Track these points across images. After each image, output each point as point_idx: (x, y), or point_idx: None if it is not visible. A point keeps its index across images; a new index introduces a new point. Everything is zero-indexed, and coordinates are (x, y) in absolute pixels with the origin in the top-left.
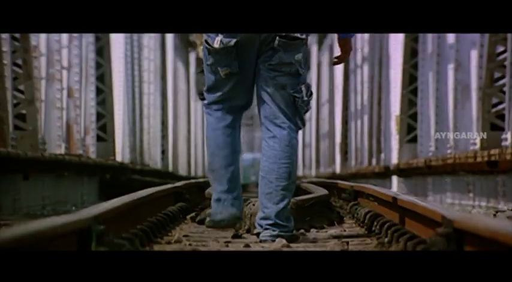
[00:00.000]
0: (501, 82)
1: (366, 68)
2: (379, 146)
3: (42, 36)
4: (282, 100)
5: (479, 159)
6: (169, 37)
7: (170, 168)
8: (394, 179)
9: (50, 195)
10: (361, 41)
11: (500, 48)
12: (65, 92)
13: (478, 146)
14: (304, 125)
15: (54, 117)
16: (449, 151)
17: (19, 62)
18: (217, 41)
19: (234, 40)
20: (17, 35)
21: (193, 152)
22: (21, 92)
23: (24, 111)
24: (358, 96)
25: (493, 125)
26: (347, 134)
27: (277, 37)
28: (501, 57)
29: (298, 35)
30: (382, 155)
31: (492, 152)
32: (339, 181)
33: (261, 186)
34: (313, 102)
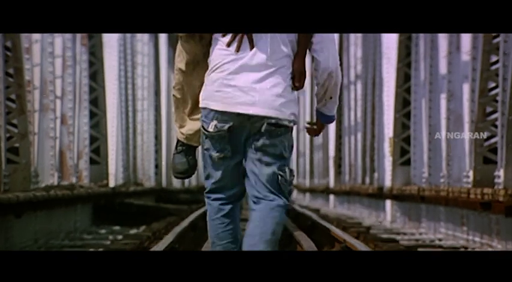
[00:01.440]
0: (493, 116)
1: (359, 86)
2: (373, 165)
3: (36, 69)
4: (266, 177)
5: (472, 196)
6: (163, 49)
7: (164, 182)
8: (388, 201)
9: (42, 228)
10: (354, 58)
11: (492, 84)
12: (58, 121)
13: (471, 179)
14: (288, 201)
15: (47, 146)
16: (442, 180)
17: (13, 96)
18: (212, 125)
19: (227, 125)
20: (11, 71)
21: None
22: (15, 125)
23: (17, 145)
24: (352, 113)
25: (485, 159)
26: (341, 148)
27: (265, 123)
28: (493, 92)
29: (286, 122)
30: (376, 174)
31: (485, 190)
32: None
33: (245, 237)
34: (306, 111)
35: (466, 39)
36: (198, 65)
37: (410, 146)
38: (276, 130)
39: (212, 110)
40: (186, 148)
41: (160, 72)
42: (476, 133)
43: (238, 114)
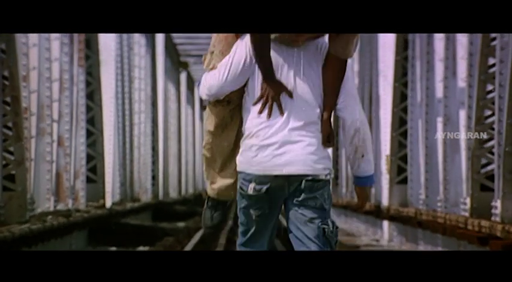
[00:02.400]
0: (490, 144)
1: None
2: None
3: (33, 95)
4: (313, 233)
5: (469, 227)
6: (160, 60)
7: (161, 193)
8: (385, 221)
9: None
10: (351, 72)
11: (488, 112)
12: (55, 145)
13: (468, 206)
14: None
15: (43, 171)
16: (439, 204)
17: (9, 124)
18: (250, 188)
19: (265, 186)
20: (8, 99)
21: (184, 169)
22: (11, 153)
23: (13, 172)
24: None
25: (483, 186)
26: (338, 160)
27: (304, 180)
28: (489, 120)
29: (323, 176)
30: (373, 190)
31: (483, 223)
32: None
33: None
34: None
35: (462, 64)
36: (227, 127)
37: (407, 165)
38: (315, 184)
39: (250, 173)
40: (216, 203)
41: (157, 84)
42: (473, 160)
43: (276, 176)
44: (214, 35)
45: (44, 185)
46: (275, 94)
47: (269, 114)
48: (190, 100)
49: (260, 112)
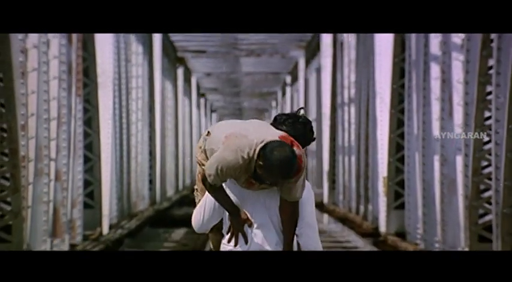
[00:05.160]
0: (487, 194)
1: (352, 109)
2: (367, 193)
3: (31, 142)
4: None
5: None
6: (157, 63)
7: (158, 196)
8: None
9: None
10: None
11: (485, 163)
12: (52, 184)
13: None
14: None
15: (40, 212)
16: (437, 245)
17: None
18: None
19: None
20: (6, 151)
21: (181, 162)
22: (8, 203)
23: (10, 223)
24: (346, 134)
25: (480, 237)
26: (335, 164)
27: None
28: (486, 171)
29: None
30: (370, 207)
31: None
32: None
33: None
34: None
35: (458, 112)
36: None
37: (404, 188)
38: None
39: None
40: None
41: (155, 87)
42: (471, 210)
43: None
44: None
45: (41, 226)
46: (239, 225)
47: (235, 243)
48: (188, 91)
49: (229, 241)
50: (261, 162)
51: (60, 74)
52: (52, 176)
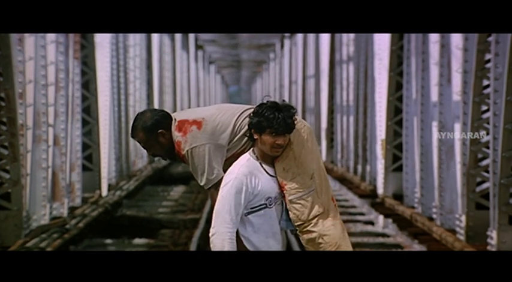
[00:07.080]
0: (485, 162)
1: (351, 68)
2: (365, 154)
3: (29, 109)
4: None
5: (466, 249)
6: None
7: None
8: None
9: None
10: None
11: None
12: (50, 149)
13: (464, 224)
14: None
15: (39, 178)
16: (434, 210)
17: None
18: None
19: None
20: (4, 120)
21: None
22: (7, 171)
23: (9, 191)
24: (344, 92)
25: (478, 205)
26: (333, 122)
27: None
28: (484, 140)
29: None
30: (368, 168)
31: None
32: None
33: None
34: (299, 74)
35: (456, 78)
36: None
37: (403, 151)
38: None
39: None
40: None
41: (152, 45)
42: (468, 178)
43: None
44: None
45: (40, 192)
46: None
47: None
48: (185, 45)
49: None
50: None
51: (58, 36)
52: (50, 142)
